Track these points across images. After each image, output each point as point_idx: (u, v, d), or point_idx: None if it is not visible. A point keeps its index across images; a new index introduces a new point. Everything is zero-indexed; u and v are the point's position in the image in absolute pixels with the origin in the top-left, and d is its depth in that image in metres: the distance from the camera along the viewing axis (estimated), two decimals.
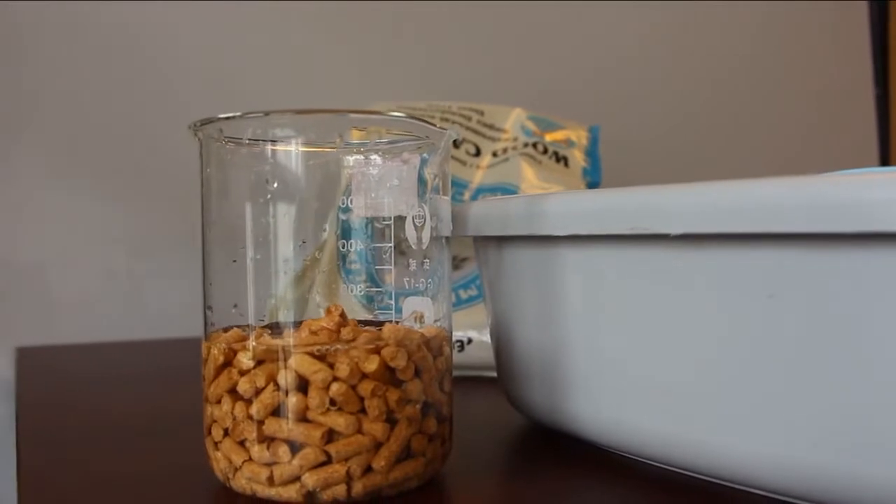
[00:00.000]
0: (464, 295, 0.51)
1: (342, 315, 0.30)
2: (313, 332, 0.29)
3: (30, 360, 0.60)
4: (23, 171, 0.69)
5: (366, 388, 0.28)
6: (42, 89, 0.69)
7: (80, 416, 0.42)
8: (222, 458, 0.29)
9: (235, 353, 0.29)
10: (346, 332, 0.29)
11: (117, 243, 0.71)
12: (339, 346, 0.28)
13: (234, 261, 0.30)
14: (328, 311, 0.30)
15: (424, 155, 0.31)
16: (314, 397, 0.28)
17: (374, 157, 0.31)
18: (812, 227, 0.24)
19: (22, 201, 0.69)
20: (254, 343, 0.29)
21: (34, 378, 0.54)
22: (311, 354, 0.28)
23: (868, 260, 0.24)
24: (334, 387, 0.28)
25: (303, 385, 0.28)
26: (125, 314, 0.71)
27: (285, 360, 0.28)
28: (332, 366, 0.28)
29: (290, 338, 0.29)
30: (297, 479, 0.28)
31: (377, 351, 0.28)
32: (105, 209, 0.71)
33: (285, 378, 0.28)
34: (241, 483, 0.29)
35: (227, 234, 0.31)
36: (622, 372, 0.32)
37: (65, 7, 0.70)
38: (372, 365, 0.28)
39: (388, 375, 0.29)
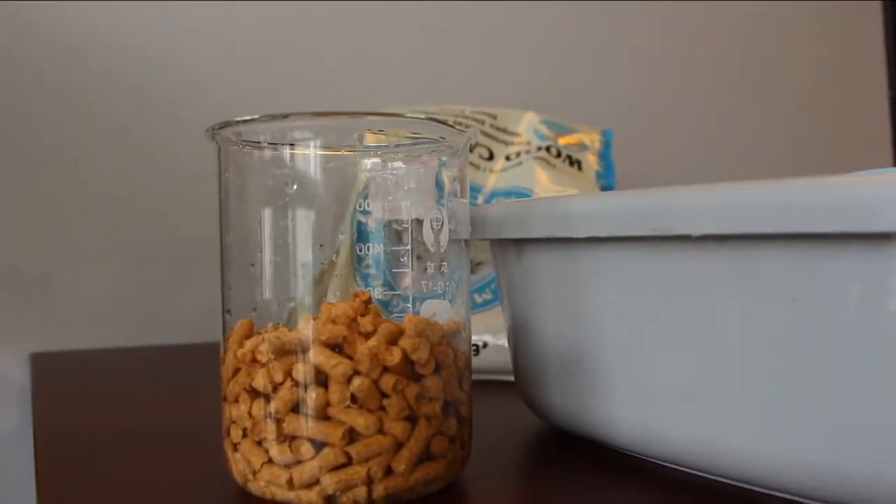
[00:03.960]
0: (479, 299, 0.51)
1: (367, 301, 0.29)
2: (332, 321, 0.29)
3: (45, 366, 0.60)
4: (33, 180, 0.69)
5: (387, 382, 0.28)
6: (48, 96, 0.69)
7: (96, 420, 0.42)
8: (241, 459, 0.29)
9: (251, 349, 0.29)
10: (364, 323, 0.29)
11: (127, 250, 0.71)
12: (357, 337, 0.28)
13: (253, 265, 0.30)
14: (355, 295, 0.30)
15: (443, 158, 0.31)
16: (335, 392, 0.27)
17: (391, 159, 0.31)
18: (834, 228, 0.24)
19: (33, 210, 0.69)
20: (270, 335, 0.28)
21: (50, 384, 0.54)
22: (329, 346, 0.28)
23: (892, 261, 0.24)
24: (356, 381, 0.27)
25: (322, 379, 0.28)
26: (136, 320, 0.71)
27: (303, 352, 0.28)
28: (351, 358, 0.28)
29: (307, 328, 0.28)
30: (316, 481, 0.28)
31: (397, 342, 0.28)
32: (114, 216, 0.71)
33: (303, 372, 0.28)
34: (259, 486, 0.29)
35: (245, 238, 0.31)
36: (642, 374, 0.31)
37: (74, 8, 0.70)
38: (394, 357, 0.28)
39: (408, 369, 0.28)
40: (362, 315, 0.29)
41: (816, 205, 0.24)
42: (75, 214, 0.70)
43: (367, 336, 0.28)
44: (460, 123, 0.58)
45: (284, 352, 0.28)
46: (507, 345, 0.41)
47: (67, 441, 0.38)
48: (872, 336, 0.25)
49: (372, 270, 0.31)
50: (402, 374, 0.28)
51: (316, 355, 0.28)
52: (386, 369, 0.28)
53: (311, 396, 0.27)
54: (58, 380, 0.56)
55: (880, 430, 0.25)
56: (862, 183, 0.24)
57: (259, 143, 0.30)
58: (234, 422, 0.29)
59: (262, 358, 0.28)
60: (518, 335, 0.38)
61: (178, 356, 0.65)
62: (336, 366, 0.27)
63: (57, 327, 0.69)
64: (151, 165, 0.72)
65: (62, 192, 0.70)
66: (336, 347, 0.28)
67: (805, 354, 0.26)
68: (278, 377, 0.28)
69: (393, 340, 0.28)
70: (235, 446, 0.29)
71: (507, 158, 0.57)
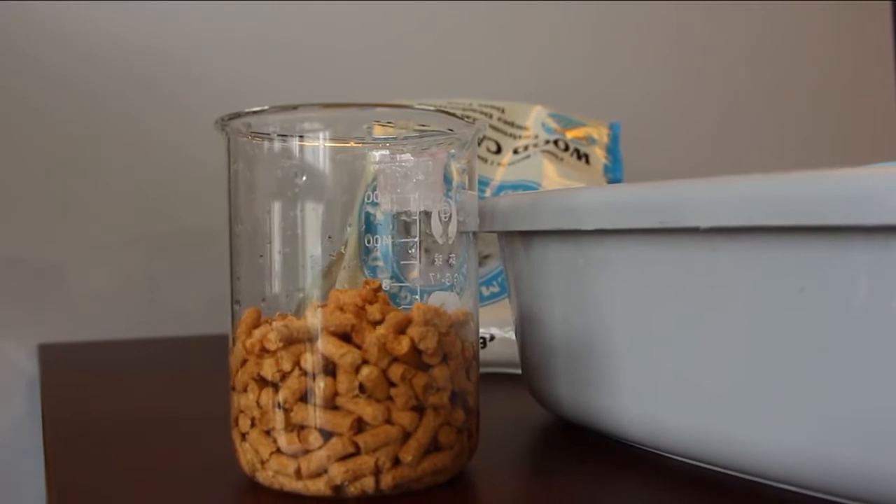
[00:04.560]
0: (486, 292, 0.51)
1: (377, 289, 0.29)
2: (340, 308, 0.29)
3: (53, 357, 0.61)
4: (42, 172, 0.69)
5: (395, 372, 0.28)
6: (59, 91, 0.70)
7: (104, 411, 0.43)
8: (249, 449, 0.29)
9: (260, 339, 0.29)
10: (372, 311, 0.29)
11: (136, 242, 0.71)
12: (365, 325, 0.28)
13: (261, 256, 0.30)
14: (365, 283, 0.30)
15: (451, 150, 0.31)
16: (343, 381, 0.27)
17: (400, 151, 0.31)
18: (843, 220, 0.24)
19: (42, 202, 0.69)
20: (278, 324, 0.28)
21: (58, 374, 0.54)
22: (337, 335, 0.28)
23: None
24: (364, 371, 0.27)
25: (330, 368, 0.28)
26: (144, 312, 0.71)
27: (311, 341, 0.28)
28: (359, 347, 0.28)
29: (315, 317, 0.28)
30: (324, 471, 0.28)
31: (405, 331, 0.28)
32: (124, 208, 0.71)
33: (311, 362, 0.28)
34: (267, 476, 0.29)
35: (254, 229, 0.31)
36: (649, 366, 0.32)
37: (82, 7, 0.70)
38: (402, 347, 0.28)
39: (415, 359, 0.28)
40: (371, 303, 0.29)
41: (825, 197, 0.24)
42: (85, 206, 0.70)
43: (376, 324, 0.28)
44: (468, 117, 0.58)
45: (293, 340, 0.28)
46: (514, 337, 0.41)
47: (76, 431, 0.38)
48: (881, 328, 0.25)
49: (380, 262, 0.31)
50: (410, 363, 0.28)
51: (324, 344, 0.28)
52: (394, 359, 0.28)
53: (320, 386, 0.28)
54: (66, 370, 0.56)
55: (888, 422, 0.25)
56: (871, 175, 0.24)
57: (268, 134, 0.30)
58: (242, 411, 0.29)
59: (271, 346, 0.28)
60: (525, 328, 0.38)
61: (186, 348, 0.65)
62: (344, 355, 0.27)
63: (66, 318, 0.69)
64: (161, 158, 0.72)
65: (72, 185, 0.70)
66: (344, 336, 0.28)
67: (813, 346, 0.26)
68: (286, 366, 0.28)
69: (401, 329, 0.28)
70: (244, 436, 0.29)
71: (515, 152, 0.57)
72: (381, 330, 0.28)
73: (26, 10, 0.68)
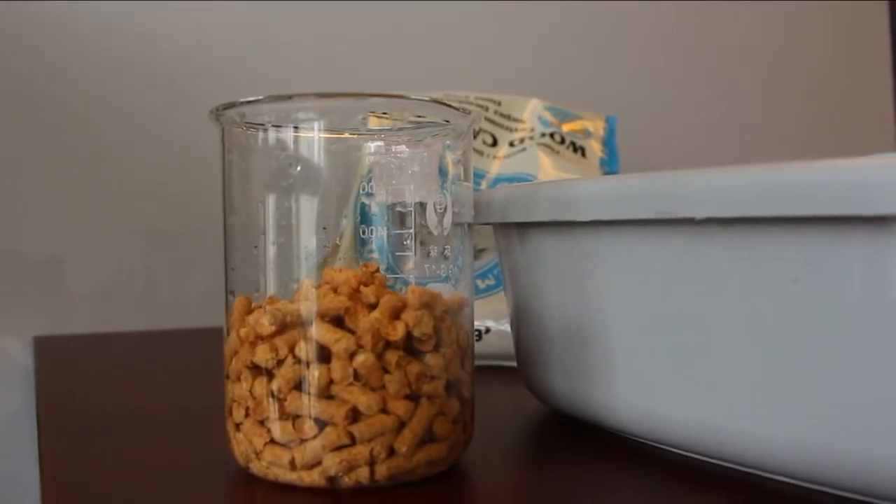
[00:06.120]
0: (482, 285, 0.51)
1: (374, 272, 0.29)
2: (334, 289, 0.28)
3: (48, 350, 0.61)
4: (39, 164, 0.69)
5: (390, 358, 0.28)
6: (56, 82, 0.69)
7: (99, 404, 0.42)
8: (243, 439, 0.29)
9: (254, 325, 0.29)
10: (367, 293, 0.28)
11: (134, 235, 0.71)
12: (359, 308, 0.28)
13: (256, 247, 0.30)
14: (363, 266, 0.29)
15: (447, 141, 0.31)
16: (337, 369, 0.27)
17: (395, 142, 0.31)
18: (837, 211, 0.24)
19: (39, 194, 0.69)
20: (271, 307, 0.28)
21: (52, 367, 0.54)
22: (331, 320, 0.28)
23: (893, 244, 0.24)
24: (359, 358, 0.27)
25: (325, 355, 0.27)
26: (141, 304, 0.71)
27: (304, 325, 0.28)
28: (352, 331, 0.28)
29: (309, 298, 0.28)
30: (319, 462, 0.28)
31: (400, 316, 0.28)
32: (122, 200, 0.71)
33: (305, 348, 0.28)
34: (261, 467, 0.29)
35: (248, 219, 0.31)
36: (645, 358, 0.32)
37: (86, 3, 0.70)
38: (397, 332, 0.28)
39: (409, 345, 0.28)
40: (366, 285, 0.29)
41: (819, 188, 0.24)
42: (82, 198, 0.70)
43: (371, 307, 0.28)
44: (463, 108, 0.58)
45: (285, 324, 0.28)
46: (509, 330, 0.41)
47: (71, 423, 0.38)
48: (875, 319, 0.25)
49: (375, 254, 0.31)
50: (404, 349, 0.28)
51: (317, 329, 0.28)
52: (388, 344, 0.28)
53: (314, 374, 0.27)
54: (61, 363, 0.56)
55: (882, 414, 0.25)
56: (866, 166, 0.24)
57: (263, 124, 0.30)
58: (236, 401, 0.29)
59: (264, 331, 0.28)
60: (521, 320, 0.38)
61: (180, 340, 0.65)
62: (339, 340, 0.27)
63: (62, 311, 0.69)
64: (159, 150, 0.72)
65: (69, 177, 0.70)
66: (337, 319, 0.28)
67: (808, 337, 0.26)
68: (281, 352, 0.28)
69: (396, 314, 0.28)
70: (238, 426, 0.29)
71: (511, 145, 0.57)
72: (375, 313, 0.28)
73: (24, 3, 0.68)
